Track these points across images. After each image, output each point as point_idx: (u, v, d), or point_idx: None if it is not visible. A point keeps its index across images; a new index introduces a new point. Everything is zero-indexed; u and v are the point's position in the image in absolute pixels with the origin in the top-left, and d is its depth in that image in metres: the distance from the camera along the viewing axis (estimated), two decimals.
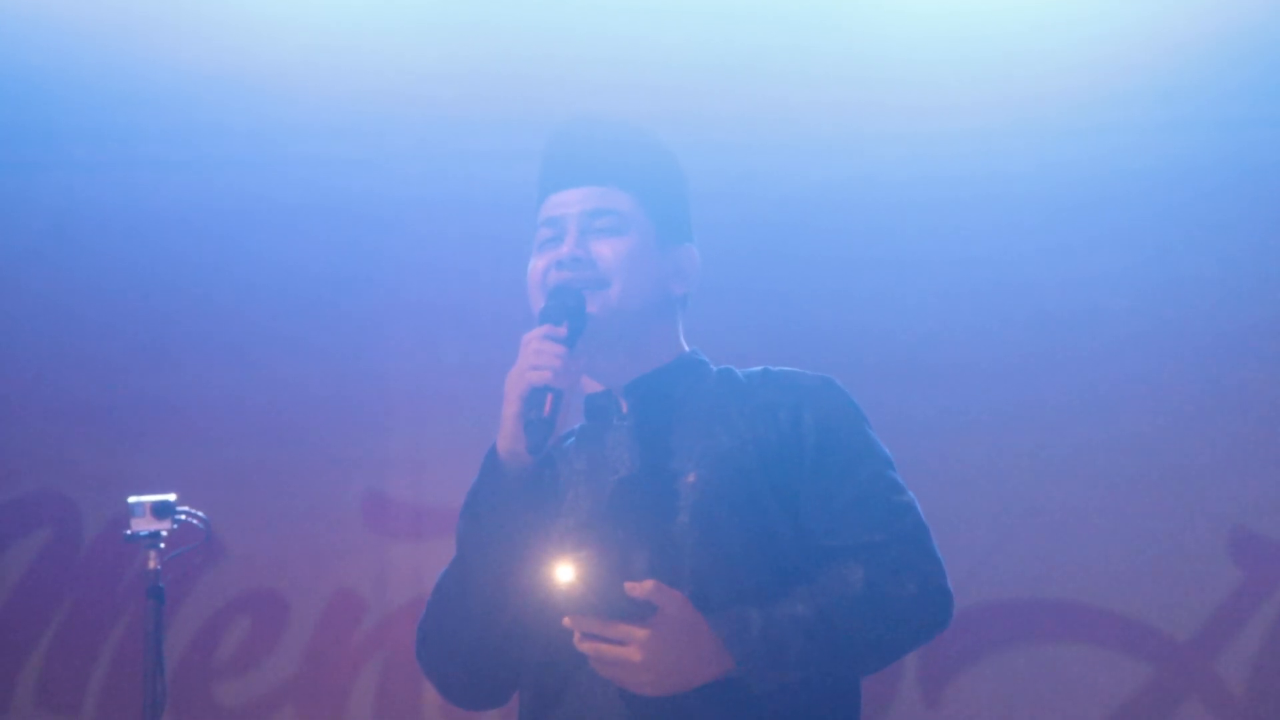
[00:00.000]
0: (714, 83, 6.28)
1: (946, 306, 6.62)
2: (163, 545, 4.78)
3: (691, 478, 3.05)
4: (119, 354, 6.81)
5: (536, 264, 3.15)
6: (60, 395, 6.82)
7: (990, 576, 6.56)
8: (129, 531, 4.78)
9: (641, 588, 2.89)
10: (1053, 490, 6.55)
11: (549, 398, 2.96)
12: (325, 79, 6.38)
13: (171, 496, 4.82)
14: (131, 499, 4.80)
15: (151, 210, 6.83)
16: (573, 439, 3.23)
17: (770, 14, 6.09)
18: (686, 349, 3.22)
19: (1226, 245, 6.58)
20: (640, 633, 2.89)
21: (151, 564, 4.76)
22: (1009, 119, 6.53)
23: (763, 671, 2.92)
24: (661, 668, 2.90)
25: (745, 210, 6.54)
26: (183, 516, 4.81)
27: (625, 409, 3.16)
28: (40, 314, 6.85)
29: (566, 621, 2.91)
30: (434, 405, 6.66)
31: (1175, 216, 6.59)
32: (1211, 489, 6.51)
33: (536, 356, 2.97)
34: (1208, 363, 6.55)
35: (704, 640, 2.92)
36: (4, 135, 6.75)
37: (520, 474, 3.01)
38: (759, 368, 3.20)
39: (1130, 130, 6.59)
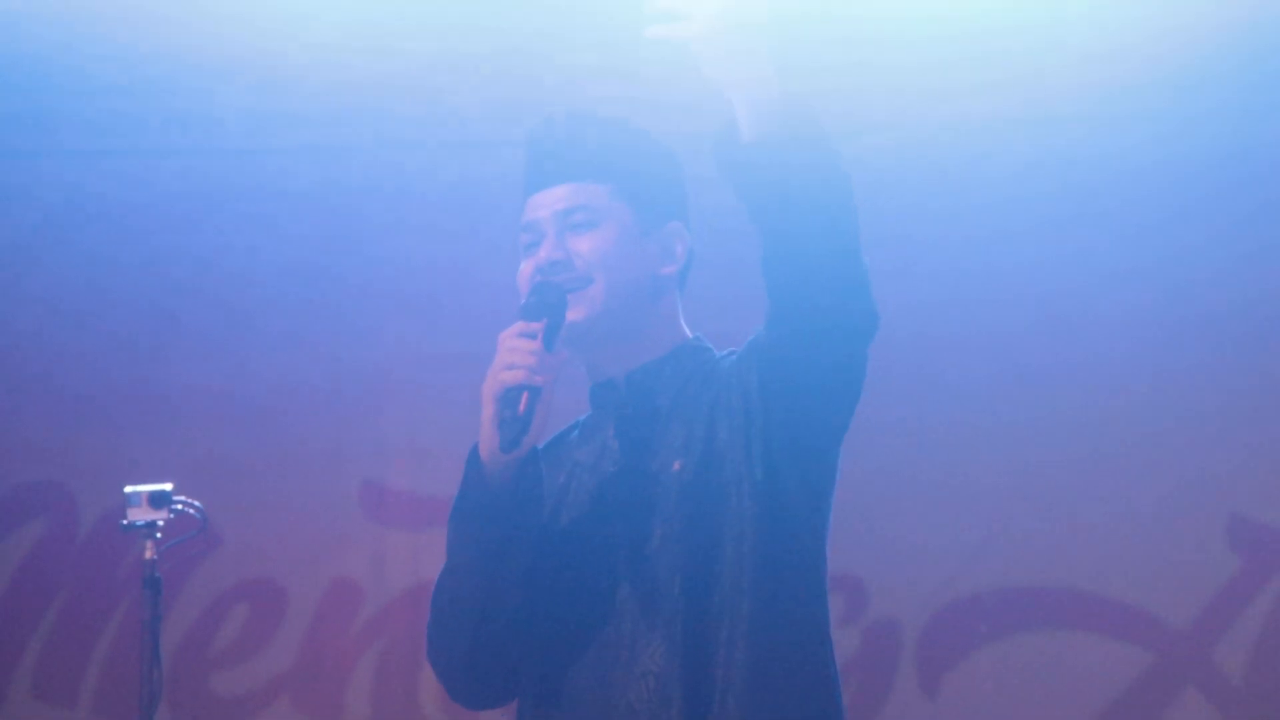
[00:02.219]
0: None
1: (947, 293, 6.61)
2: (159, 535, 4.77)
3: (677, 465, 3.05)
4: (115, 344, 6.80)
5: (523, 269, 3.14)
6: (57, 385, 6.80)
7: (988, 564, 6.56)
8: (125, 521, 4.77)
9: None
10: (1051, 477, 6.54)
11: (524, 396, 2.95)
12: (320, 70, 6.37)
13: (168, 486, 4.81)
14: (128, 489, 4.79)
15: (147, 201, 6.81)
16: (577, 431, 3.22)
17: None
18: (689, 335, 3.20)
19: (1226, 238, 6.57)
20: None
21: (148, 554, 4.75)
22: (1011, 107, 6.52)
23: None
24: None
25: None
26: (179, 506, 4.80)
27: (626, 399, 3.14)
28: (37, 304, 6.83)
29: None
30: (430, 394, 6.65)
31: (1174, 209, 6.58)
32: (1209, 476, 6.51)
33: (510, 355, 2.97)
34: (1207, 352, 6.55)
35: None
36: (5, 120, 6.73)
37: (502, 475, 3.01)
38: None
39: (1132, 120, 6.58)
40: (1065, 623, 6.58)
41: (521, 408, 2.95)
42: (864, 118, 6.49)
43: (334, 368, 6.78)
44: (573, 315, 3.07)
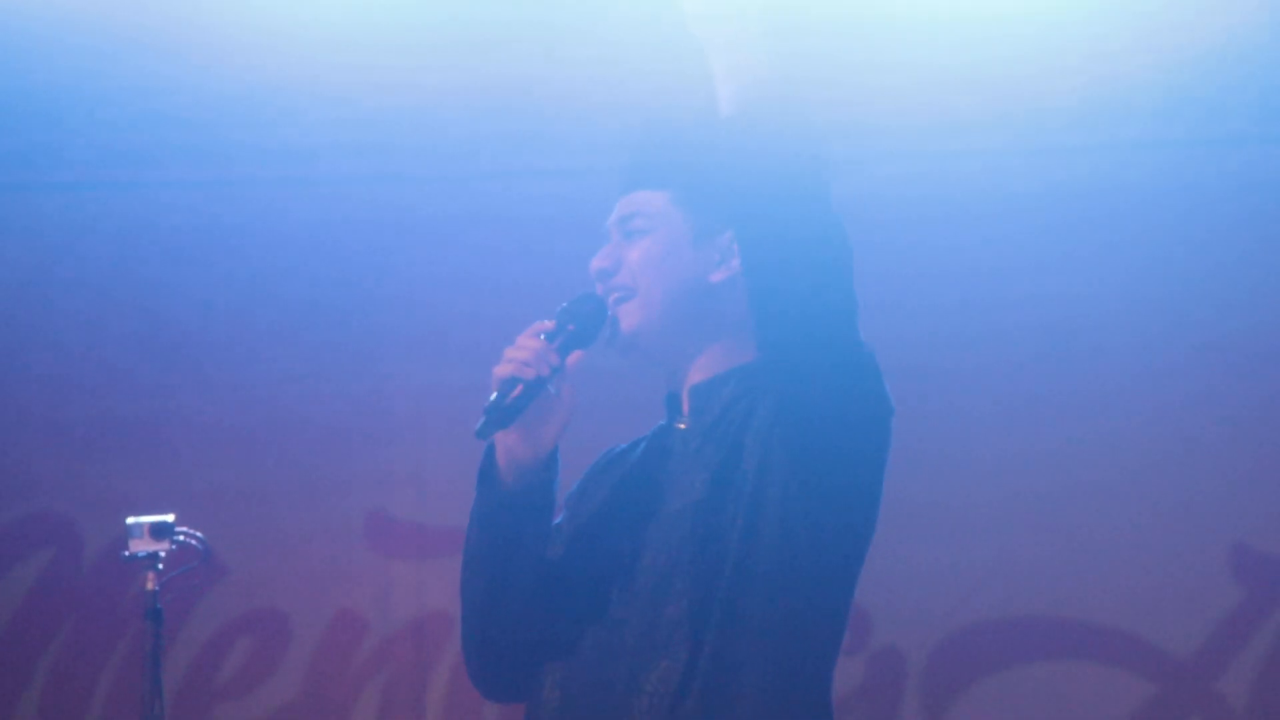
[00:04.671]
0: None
1: (949, 323, 6.61)
2: (161, 566, 4.78)
3: (696, 495, 3.05)
4: (119, 376, 6.81)
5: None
6: (61, 416, 6.82)
7: (992, 594, 6.56)
8: (127, 553, 4.78)
9: None
10: (1054, 508, 6.54)
11: (518, 388, 2.99)
12: (327, 103, 6.39)
13: (170, 517, 4.82)
14: (130, 520, 4.80)
15: (153, 229, 6.83)
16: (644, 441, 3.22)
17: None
18: (753, 355, 3.15)
19: (1230, 262, 6.58)
20: None
21: (150, 585, 4.76)
22: (1010, 135, 6.53)
23: None
24: None
25: None
26: (181, 537, 4.81)
27: (686, 411, 3.15)
28: (42, 334, 6.85)
29: None
30: (436, 423, 6.66)
31: (1181, 235, 6.60)
32: (1213, 506, 6.52)
33: (511, 350, 3.02)
34: (1210, 380, 6.55)
35: None
36: (11, 153, 6.75)
37: (511, 472, 3.04)
38: None
39: (1129, 147, 6.59)
40: (1069, 653, 6.58)
41: (510, 399, 2.98)
42: (866, 147, 6.50)
43: (338, 399, 6.79)
44: (622, 325, 3.12)
